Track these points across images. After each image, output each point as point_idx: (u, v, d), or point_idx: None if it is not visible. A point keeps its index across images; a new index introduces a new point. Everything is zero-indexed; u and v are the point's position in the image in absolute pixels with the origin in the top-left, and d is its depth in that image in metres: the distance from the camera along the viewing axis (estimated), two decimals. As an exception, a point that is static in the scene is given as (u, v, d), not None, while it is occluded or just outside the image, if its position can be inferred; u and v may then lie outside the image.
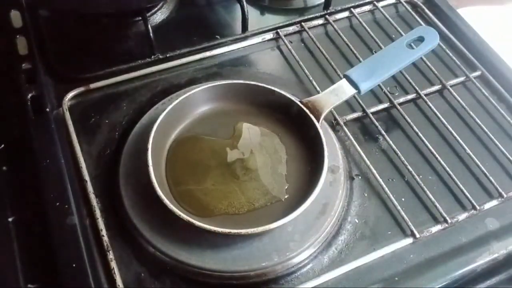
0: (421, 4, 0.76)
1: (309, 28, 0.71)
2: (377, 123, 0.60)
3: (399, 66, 0.60)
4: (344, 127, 0.60)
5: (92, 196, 0.53)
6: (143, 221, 0.50)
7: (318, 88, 0.63)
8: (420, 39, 0.62)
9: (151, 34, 0.64)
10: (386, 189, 0.55)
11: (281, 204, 0.52)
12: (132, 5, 0.63)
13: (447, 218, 0.53)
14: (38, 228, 0.50)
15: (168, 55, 0.66)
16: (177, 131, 0.57)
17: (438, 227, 0.53)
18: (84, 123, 0.60)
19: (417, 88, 0.64)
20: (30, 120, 0.57)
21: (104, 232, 0.51)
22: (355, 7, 0.74)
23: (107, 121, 0.60)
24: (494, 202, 0.56)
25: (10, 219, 0.52)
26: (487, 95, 0.65)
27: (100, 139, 0.58)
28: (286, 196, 0.53)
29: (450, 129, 0.60)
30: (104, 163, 0.56)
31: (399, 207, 0.54)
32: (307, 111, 0.56)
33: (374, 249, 0.51)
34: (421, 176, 0.57)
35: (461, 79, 0.67)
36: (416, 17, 0.73)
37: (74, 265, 0.47)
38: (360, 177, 0.57)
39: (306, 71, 0.65)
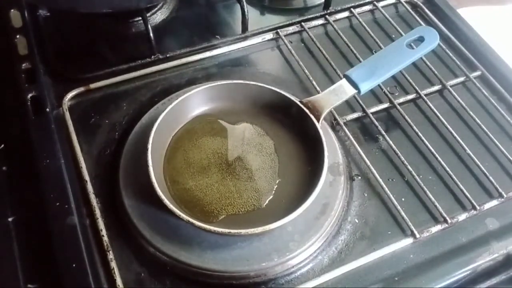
0: (421, 4, 0.76)
1: (309, 28, 0.71)
2: (377, 123, 0.60)
3: (399, 66, 0.60)
4: (344, 127, 0.60)
5: (92, 196, 0.53)
6: (143, 221, 0.50)
7: (318, 88, 0.63)
8: (420, 39, 0.62)
9: (151, 34, 0.64)
10: (386, 189, 0.55)
11: (281, 204, 0.52)
12: (132, 5, 0.63)
13: (447, 218, 0.53)
14: (38, 228, 0.50)
15: (168, 55, 0.66)
16: (177, 131, 0.57)
17: (438, 227, 0.53)
18: (84, 123, 0.60)
19: (417, 88, 0.64)
20: (30, 120, 0.57)
21: (104, 232, 0.51)
22: (355, 7, 0.74)
23: (107, 121, 0.60)
24: (494, 202, 0.56)
25: (10, 219, 0.52)
26: (487, 95, 0.65)
27: (100, 139, 0.58)
28: (284, 197, 0.53)
29: (450, 129, 0.60)
30: (104, 163, 0.56)
31: (399, 207, 0.54)
32: (307, 111, 0.56)
33: (374, 249, 0.52)
34: (421, 176, 0.57)
35: (461, 79, 0.67)
36: (416, 17, 0.73)
37: (74, 265, 0.47)
38: (360, 177, 0.57)
39: (306, 71, 0.65)
